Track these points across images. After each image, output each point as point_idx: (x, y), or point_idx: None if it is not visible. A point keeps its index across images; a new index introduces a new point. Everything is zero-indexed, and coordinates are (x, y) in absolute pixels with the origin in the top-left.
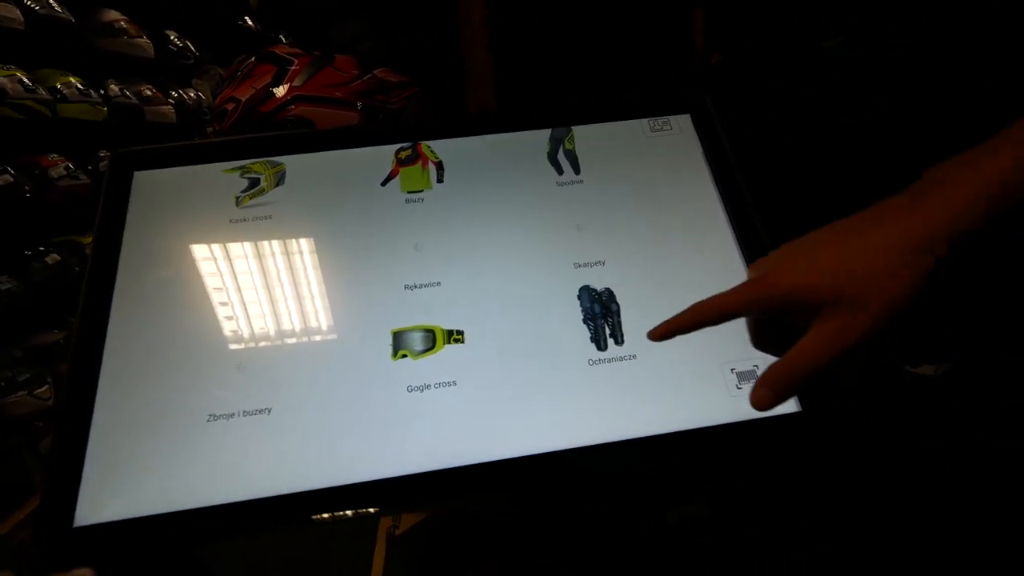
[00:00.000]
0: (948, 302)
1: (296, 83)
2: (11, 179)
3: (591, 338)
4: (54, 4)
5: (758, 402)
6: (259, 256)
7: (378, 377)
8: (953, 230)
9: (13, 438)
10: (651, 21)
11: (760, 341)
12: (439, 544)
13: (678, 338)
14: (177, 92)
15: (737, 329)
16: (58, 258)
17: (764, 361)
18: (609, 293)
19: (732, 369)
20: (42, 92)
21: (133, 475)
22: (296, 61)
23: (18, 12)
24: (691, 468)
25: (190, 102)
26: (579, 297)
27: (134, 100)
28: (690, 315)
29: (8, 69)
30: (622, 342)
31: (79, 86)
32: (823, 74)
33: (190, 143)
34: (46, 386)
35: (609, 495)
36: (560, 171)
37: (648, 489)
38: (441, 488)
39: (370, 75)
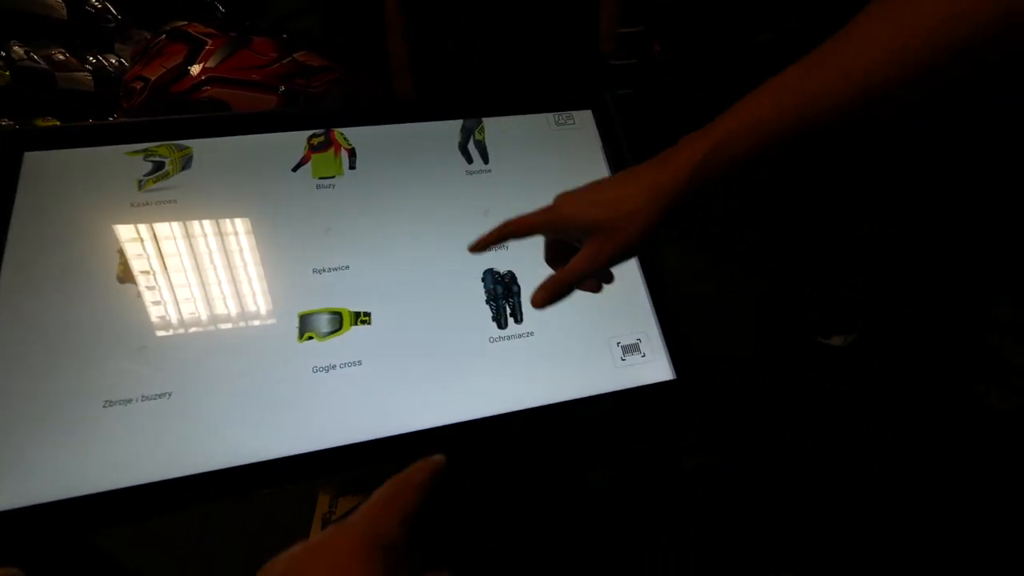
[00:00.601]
0: (855, 275)
1: (210, 64)
2: None
3: (492, 317)
4: None
5: (534, 300)
6: (161, 240)
7: (283, 359)
8: (678, 185)
9: None
10: (564, 13)
11: (551, 258)
12: None
13: (570, 315)
14: (96, 58)
15: (622, 306)
16: None
17: (647, 335)
18: (511, 275)
19: (618, 343)
20: None
21: (24, 464)
22: (210, 41)
23: None
24: (582, 433)
25: (111, 69)
26: (483, 279)
27: (42, 64)
28: (498, 230)
29: None
30: (521, 320)
31: None
32: (755, 66)
33: (87, 123)
34: None
35: (513, 463)
36: (470, 160)
37: (546, 455)
38: (340, 463)
39: (290, 58)
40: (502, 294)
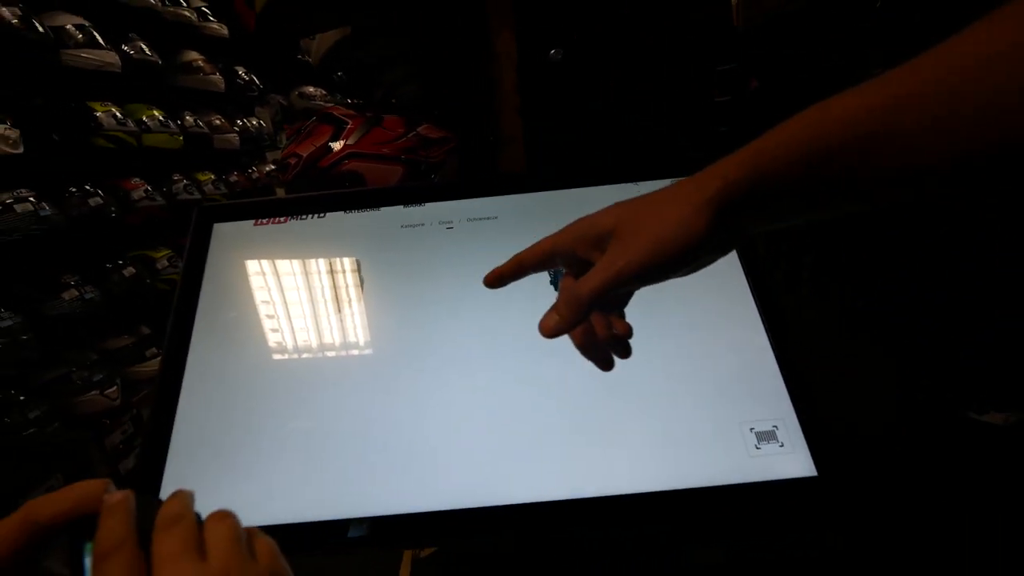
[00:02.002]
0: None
1: (350, 141)
2: (101, 201)
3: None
4: (145, 48)
5: (542, 328)
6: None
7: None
8: (718, 187)
9: (83, 431)
10: (677, 80)
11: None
12: (461, 568)
13: (696, 388)
14: (242, 121)
15: (751, 383)
16: (133, 271)
17: (783, 421)
18: None
19: (751, 428)
20: (131, 124)
21: (208, 490)
22: (351, 121)
23: (117, 57)
24: (703, 525)
25: (252, 129)
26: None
27: (205, 129)
28: (511, 262)
29: (105, 105)
30: None
31: (160, 118)
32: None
33: (261, 200)
34: (115, 387)
35: (624, 539)
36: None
37: (660, 538)
38: (457, 528)
39: (414, 132)
40: None
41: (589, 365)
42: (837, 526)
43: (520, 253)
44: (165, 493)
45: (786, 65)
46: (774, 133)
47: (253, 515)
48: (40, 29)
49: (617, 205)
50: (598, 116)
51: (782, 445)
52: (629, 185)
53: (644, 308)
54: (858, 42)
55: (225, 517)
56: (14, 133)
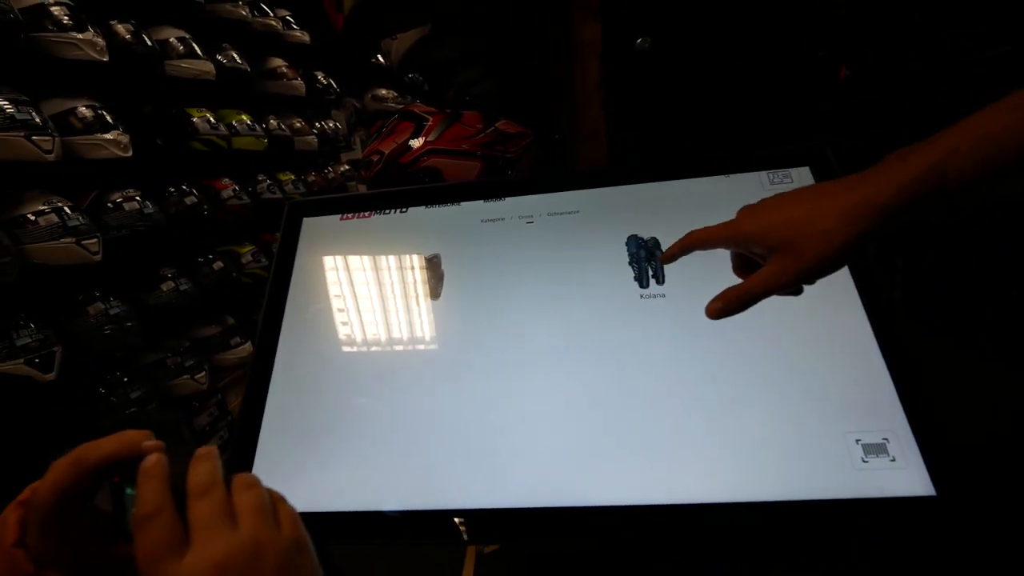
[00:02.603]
0: None
1: (431, 137)
2: (195, 200)
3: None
4: (236, 57)
5: (708, 310)
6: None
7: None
8: (883, 204)
9: (175, 412)
10: (768, 76)
11: (737, 267)
12: (527, 564)
13: (796, 395)
14: (320, 123)
15: (858, 391)
16: (222, 265)
17: (894, 433)
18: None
19: (857, 440)
20: (222, 128)
21: (290, 475)
22: (431, 119)
23: (212, 67)
24: (797, 543)
25: (329, 131)
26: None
27: (287, 132)
28: (681, 241)
29: (201, 111)
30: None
31: (248, 122)
32: (984, 87)
33: (347, 195)
34: (203, 372)
35: (711, 550)
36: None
37: (754, 552)
38: (540, 527)
39: (492, 128)
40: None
41: (677, 366)
42: (957, 553)
43: (692, 233)
44: (256, 471)
45: (891, 54)
46: (968, 135)
47: (332, 501)
48: (148, 42)
49: (786, 211)
50: (690, 106)
51: (893, 459)
52: (720, 178)
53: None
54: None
55: (252, 486)
56: (125, 138)
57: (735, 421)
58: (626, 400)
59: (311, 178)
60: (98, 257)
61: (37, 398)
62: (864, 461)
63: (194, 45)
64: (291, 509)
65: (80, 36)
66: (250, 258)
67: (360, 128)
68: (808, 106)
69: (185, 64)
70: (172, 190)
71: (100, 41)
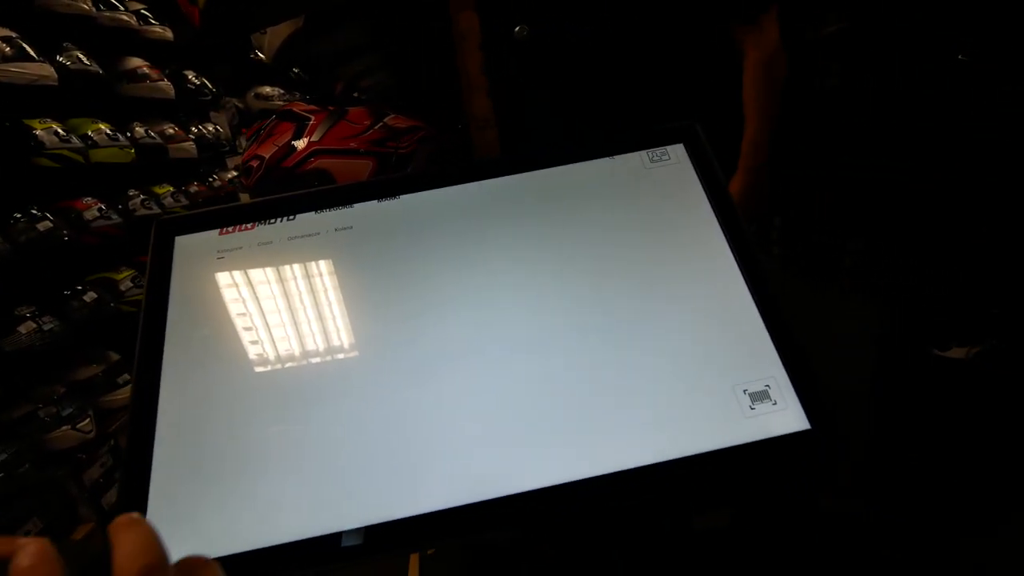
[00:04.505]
0: (982, 278)
1: (314, 137)
2: (51, 225)
3: None
4: (83, 58)
5: None
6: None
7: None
8: None
9: (58, 470)
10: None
11: None
12: (470, 561)
13: (684, 360)
14: (197, 127)
15: (740, 345)
16: (95, 295)
17: (775, 380)
18: None
19: (745, 390)
20: (75, 140)
21: (195, 521)
22: (313, 117)
23: (52, 70)
24: (703, 491)
25: (209, 136)
26: None
27: (158, 139)
28: None
29: (45, 122)
30: None
31: (108, 131)
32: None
33: (222, 207)
34: (88, 419)
35: (622, 516)
36: None
37: (669, 506)
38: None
39: (381, 124)
40: None
41: (568, 351)
42: (831, 477)
43: None
44: (150, 516)
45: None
46: None
47: (243, 538)
48: None
49: None
50: (574, 90)
51: (775, 403)
52: (606, 160)
53: (622, 287)
54: None
55: (208, 566)
56: None
57: (633, 391)
58: (527, 388)
59: (193, 188)
60: None
61: None
62: (752, 408)
63: (25, 45)
64: None
65: None
66: (130, 284)
67: (245, 130)
68: (683, 85)
69: (15, 68)
70: (19, 216)
71: None
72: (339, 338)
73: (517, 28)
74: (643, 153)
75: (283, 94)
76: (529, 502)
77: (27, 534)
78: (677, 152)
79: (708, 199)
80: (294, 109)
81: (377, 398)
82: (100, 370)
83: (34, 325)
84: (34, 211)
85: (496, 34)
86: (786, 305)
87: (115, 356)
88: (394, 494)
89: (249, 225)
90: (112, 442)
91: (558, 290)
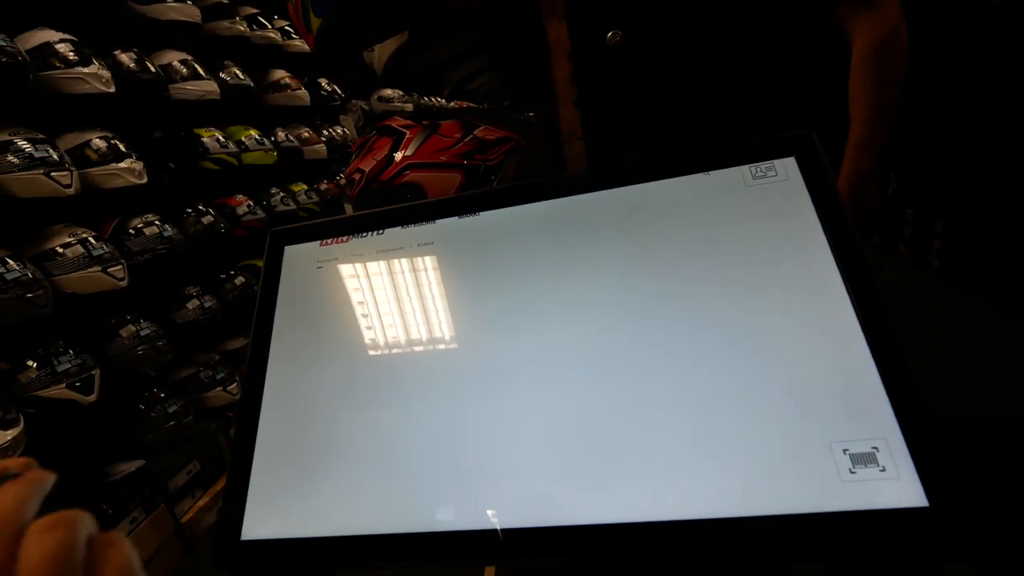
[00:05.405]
0: None
1: (408, 152)
2: (211, 219)
3: None
4: (239, 73)
5: None
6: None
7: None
8: None
9: (212, 423)
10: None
11: None
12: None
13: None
14: (327, 131)
15: (842, 396)
16: (243, 279)
17: (885, 441)
18: None
19: (845, 450)
20: (231, 146)
21: (285, 501)
22: (409, 132)
23: (215, 85)
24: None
25: (337, 138)
26: None
27: (295, 143)
28: None
29: (209, 131)
30: None
31: (256, 137)
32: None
33: (323, 221)
34: (235, 383)
35: (702, 565)
36: None
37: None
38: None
39: (471, 136)
40: None
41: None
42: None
43: None
44: (251, 497)
45: None
46: None
47: (324, 526)
48: (152, 69)
49: None
50: (669, 100)
51: (883, 469)
52: (700, 176)
53: (713, 319)
54: None
55: (53, 528)
56: (139, 165)
57: (713, 436)
58: (612, 416)
59: (323, 186)
60: (124, 283)
61: (81, 419)
62: (852, 472)
63: (196, 66)
64: (125, 560)
65: (86, 70)
66: None
67: (368, 129)
68: (790, 95)
69: (190, 86)
70: (189, 211)
71: (105, 73)
72: (416, 345)
73: (610, 34)
74: (744, 168)
75: (403, 96)
76: (609, 535)
77: (189, 474)
78: (787, 167)
79: (820, 223)
80: (392, 124)
81: (469, 409)
82: (245, 343)
83: (198, 303)
84: (200, 207)
85: (584, 42)
86: (935, 340)
87: None
88: (479, 507)
89: (345, 238)
90: None
91: (643, 319)
